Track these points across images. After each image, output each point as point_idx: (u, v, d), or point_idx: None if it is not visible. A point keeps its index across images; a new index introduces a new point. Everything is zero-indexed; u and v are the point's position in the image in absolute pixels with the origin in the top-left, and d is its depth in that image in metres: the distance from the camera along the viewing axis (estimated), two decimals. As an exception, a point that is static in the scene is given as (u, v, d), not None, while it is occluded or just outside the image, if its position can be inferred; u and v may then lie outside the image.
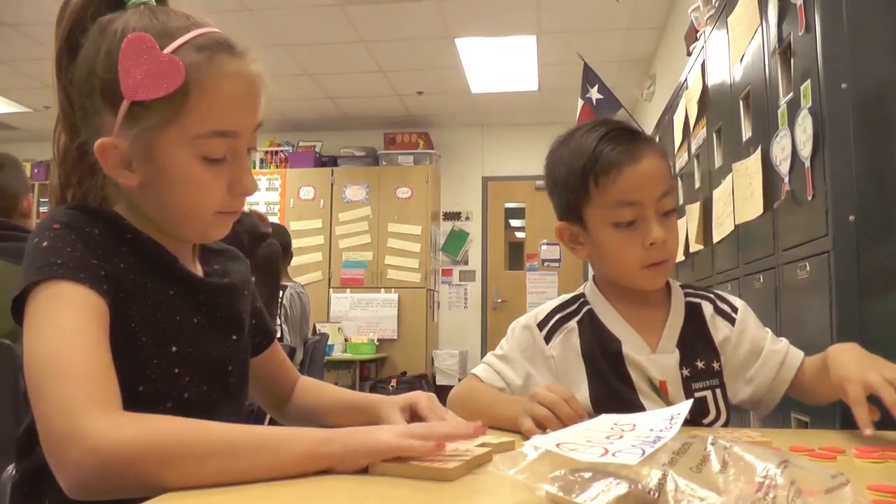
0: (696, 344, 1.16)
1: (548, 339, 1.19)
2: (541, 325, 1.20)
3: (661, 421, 0.62)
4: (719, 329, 1.18)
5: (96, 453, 0.62)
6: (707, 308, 1.20)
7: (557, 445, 0.57)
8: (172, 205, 0.84)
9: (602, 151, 1.11)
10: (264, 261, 2.77)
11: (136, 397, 0.76)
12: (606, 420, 0.67)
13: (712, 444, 0.54)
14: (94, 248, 0.78)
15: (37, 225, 0.79)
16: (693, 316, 1.19)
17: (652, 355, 1.14)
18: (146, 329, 0.80)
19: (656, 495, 0.50)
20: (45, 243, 0.75)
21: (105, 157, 0.81)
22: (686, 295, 1.22)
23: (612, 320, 1.18)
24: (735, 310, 1.20)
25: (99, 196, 0.88)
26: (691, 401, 0.69)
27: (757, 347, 1.17)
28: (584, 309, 1.20)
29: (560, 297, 1.26)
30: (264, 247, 2.79)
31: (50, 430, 0.65)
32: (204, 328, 0.88)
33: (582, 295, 1.24)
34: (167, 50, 0.78)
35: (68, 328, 0.70)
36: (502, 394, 1.16)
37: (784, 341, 1.19)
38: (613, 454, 0.54)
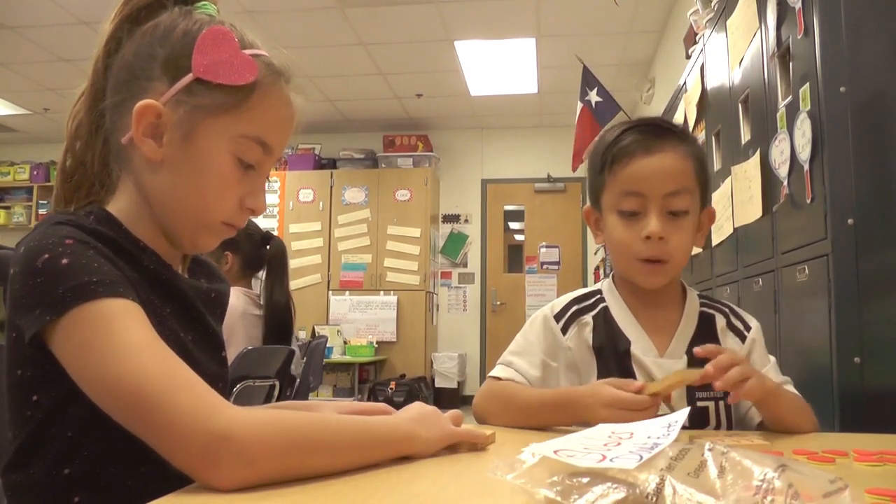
0: None
1: (564, 330, 1.20)
2: (557, 317, 1.21)
3: (659, 429, 0.62)
4: (728, 344, 1.18)
5: (246, 448, 0.62)
6: (720, 321, 1.20)
7: (555, 452, 0.57)
8: (188, 192, 0.82)
9: (621, 139, 1.14)
10: (276, 259, 2.72)
11: None
12: (604, 429, 0.67)
13: (710, 449, 0.54)
14: (110, 261, 0.75)
15: (32, 239, 0.74)
16: (705, 326, 1.19)
17: (659, 359, 1.14)
18: None
19: (654, 500, 0.50)
20: (64, 260, 0.71)
21: (141, 118, 0.80)
22: (701, 304, 1.21)
23: (625, 319, 1.18)
24: (748, 328, 1.20)
25: (91, 171, 0.86)
26: (688, 409, 0.69)
27: None
28: (600, 305, 1.21)
29: (577, 291, 1.27)
30: (273, 246, 2.74)
31: (187, 440, 0.63)
32: (198, 345, 0.87)
33: (599, 291, 1.25)
34: (245, 52, 0.82)
35: (142, 343, 0.68)
36: (543, 389, 1.15)
37: (780, 379, 1.16)
38: (611, 460, 0.54)
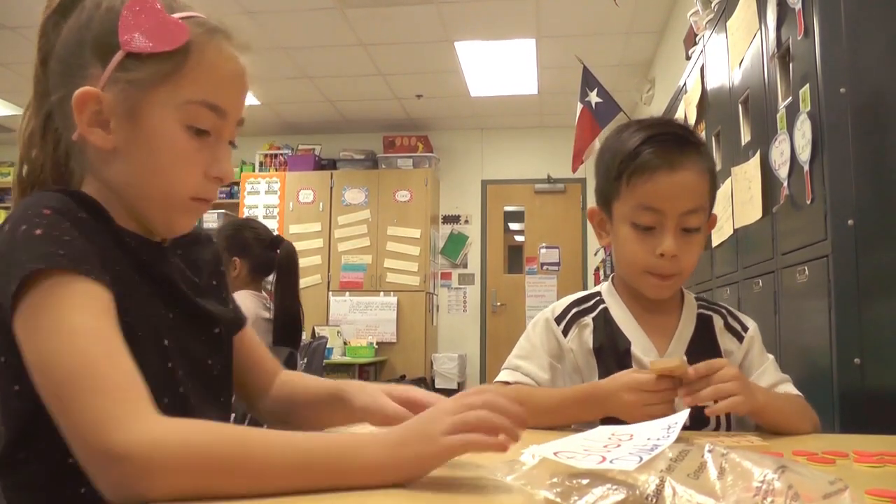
0: (704, 355, 1.14)
1: (565, 332, 1.20)
2: (558, 320, 1.21)
3: (659, 430, 0.62)
4: (726, 344, 1.19)
5: (141, 470, 0.59)
6: (718, 322, 1.21)
7: (555, 454, 0.57)
8: (148, 175, 0.79)
9: (642, 151, 1.11)
10: (286, 262, 2.68)
11: None
12: (604, 431, 0.67)
13: (710, 451, 0.54)
14: (90, 235, 0.73)
15: (15, 210, 0.73)
16: (703, 327, 1.19)
17: (659, 359, 1.14)
18: (140, 322, 0.76)
19: (654, 501, 0.50)
20: (37, 231, 0.69)
21: (82, 109, 0.77)
22: (699, 307, 1.22)
23: (625, 320, 1.19)
24: (745, 329, 1.20)
25: (50, 172, 0.84)
26: (688, 410, 0.69)
27: (745, 374, 1.15)
28: (600, 307, 1.22)
29: (577, 293, 1.27)
30: (283, 250, 2.71)
31: (86, 449, 0.62)
32: (184, 321, 0.85)
33: (598, 293, 1.25)
34: (175, 16, 0.78)
35: (84, 331, 0.66)
36: (560, 388, 1.15)
37: (778, 377, 1.16)
38: (611, 461, 0.54)
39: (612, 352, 1.16)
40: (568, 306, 1.23)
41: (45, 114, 0.84)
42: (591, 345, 1.18)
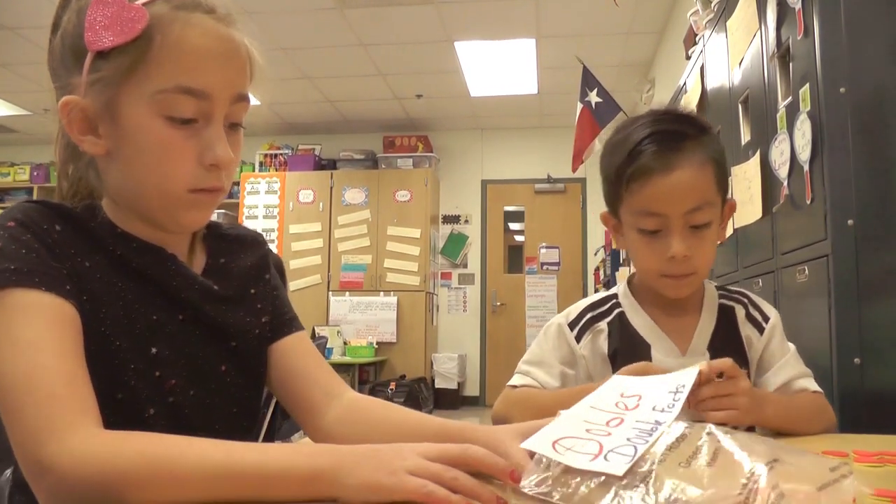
0: (727, 348, 1.13)
1: (578, 338, 1.17)
2: (572, 325, 1.19)
3: (666, 395, 0.61)
4: (747, 335, 1.16)
5: (63, 484, 0.59)
6: (740, 312, 1.17)
7: (553, 445, 0.56)
8: (139, 175, 0.76)
9: (638, 154, 1.07)
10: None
11: (115, 406, 0.72)
12: (614, 391, 0.65)
13: (708, 433, 0.53)
14: (53, 247, 0.72)
15: None
16: (725, 319, 1.16)
17: (681, 359, 1.12)
18: (119, 332, 0.75)
19: (639, 486, 0.50)
20: None
21: (67, 117, 0.76)
22: (720, 296, 1.19)
23: (642, 323, 1.16)
24: (766, 319, 1.16)
25: (86, 186, 0.84)
26: (696, 369, 0.67)
27: (766, 365, 1.14)
28: (616, 311, 1.19)
29: (592, 297, 1.24)
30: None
31: (21, 460, 0.62)
32: (189, 326, 0.81)
33: (614, 296, 1.22)
34: (137, 3, 0.74)
35: (25, 343, 0.66)
36: (561, 389, 1.13)
37: (799, 370, 1.14)
38: (605, 456, 0.53)
39: (630, 357, 1.11)
40: (582, 311, 1.20)
41: (60, 128, 0.83)
42: (605, 351, 1.15)
